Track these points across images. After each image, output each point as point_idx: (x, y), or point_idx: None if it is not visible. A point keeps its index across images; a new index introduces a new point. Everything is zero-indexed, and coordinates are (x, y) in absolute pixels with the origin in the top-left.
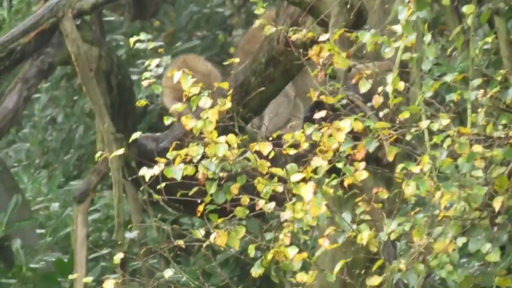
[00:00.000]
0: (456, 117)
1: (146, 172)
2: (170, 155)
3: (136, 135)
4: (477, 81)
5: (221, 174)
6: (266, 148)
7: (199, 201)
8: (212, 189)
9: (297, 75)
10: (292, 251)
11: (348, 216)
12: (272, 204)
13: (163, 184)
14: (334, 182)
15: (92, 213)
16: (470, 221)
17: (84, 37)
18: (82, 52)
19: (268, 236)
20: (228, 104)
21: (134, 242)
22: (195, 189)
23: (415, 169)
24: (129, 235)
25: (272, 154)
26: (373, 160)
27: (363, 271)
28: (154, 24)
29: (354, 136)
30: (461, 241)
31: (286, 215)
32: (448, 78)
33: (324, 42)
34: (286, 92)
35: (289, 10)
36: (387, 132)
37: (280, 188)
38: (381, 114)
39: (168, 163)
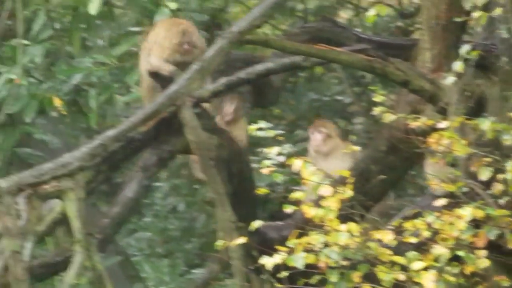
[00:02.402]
0: None
1: (268, 261)
2: (291, 243)
3: (257, 223)
4: None
5: (343, 263)
6: (387, 236)
7: None
8: (334, 278)
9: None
10: None
11: None
12: None
13: (285, 273)
14: (456, 270)
15: None
16: None
17: (204, 125)
18: (202, 140)
19: None
20: (350, 192)
21: None
22: (316, 277)
23: None
24: None
25: (394, 242)
26: (495, 247)
27: None
28: (274, 112)
29: (475, 223)
30: None
31: None
32: None
33: (443, 129)
34: None
35: (409, 98)
36: (508, 220)
37: (401, 277)
38: (501, 201)
39: (290, 252)
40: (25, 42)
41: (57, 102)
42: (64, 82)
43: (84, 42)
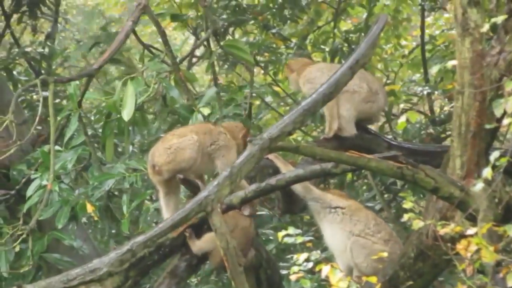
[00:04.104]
0: None
1: None
2: None
3: None
4: None
5: None
6: None
7: None
8: None
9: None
10: None
11: None
12: None
13: None
14: None
15: None
16: None
17: None
18: (231, 246)
19: None
20: None
21: None
22: None
23: None
24: None
25: None
26: None
27: None
28: (304, 219)
29: None
30: None
31: None
32: None
33: (472, 236)
34: None
35: (438, 205)
36: None
37: None
38: None
39: None
40: (58, 148)
41: (90, 208)
42: (96, 188)
43: (116, 148)
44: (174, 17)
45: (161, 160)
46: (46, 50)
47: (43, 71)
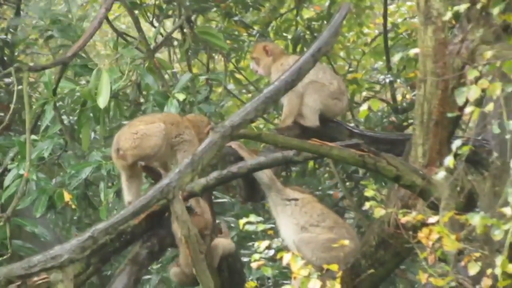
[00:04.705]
0: None
1: None
2: None
3: None
4: None
5: None
6: None
7: None
8: None
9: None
10: None
11: None
12: None
13: None
14: None
15: None
16: None
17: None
18: (192, 234)
19: None
20: (338, 287)
21: None
22: None
23: None
24: None
25: None
26: None
27: None
28: (266, 206)
29: None
30: None
31: None
32: None
33: (434, 224)
34: None
35: (400, 193)
36: None
37: None
38: None
39: None
40: (34, 137)
41: (67, 196)
42: (73, 177)
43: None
44: (133, 5)
45: (126, 145)
46: (9, 37)
47: (5, 58)
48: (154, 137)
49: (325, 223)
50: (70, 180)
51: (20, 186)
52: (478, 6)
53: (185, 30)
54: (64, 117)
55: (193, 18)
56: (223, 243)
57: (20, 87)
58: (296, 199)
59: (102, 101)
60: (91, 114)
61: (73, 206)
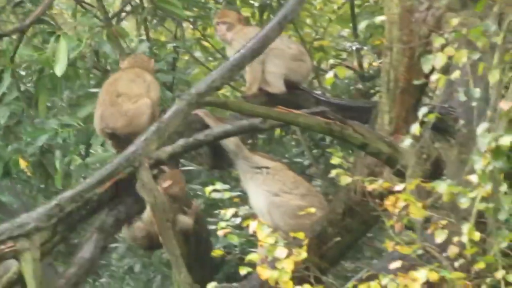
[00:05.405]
0: None
1: None
2: None
3: (212, 285)
4: None
5: None
6: None
7: None
8: None
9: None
10: None
11: None
12: None
13: None
14: None
15: None
16: None
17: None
18: (159, 202)
19: None
20: (304, 254)
21: None
22: None
23: None
24: None
25: None
26: None
27: None
28: (233, 174)
29: (430, 286)
30: None
31: None
32: None
33: (400, 192)
34: None
35: (366, 161)
36: (463, 283)
37: None
38: (456, 264)
39: None
40: None
41: (23, 163)
42: (29, 144)
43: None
44: None
45: (117, 125)
46: None
47: None
48: (144, 114)
49: (298, 190)
50: (26, 147)
51: None
52: None
53: None
54: (22, 85)
55: None
56: (183, 220)
57: None
58: (267, 167)
59: (59, 68)
60: (49, 82)
61: (28, 173)
